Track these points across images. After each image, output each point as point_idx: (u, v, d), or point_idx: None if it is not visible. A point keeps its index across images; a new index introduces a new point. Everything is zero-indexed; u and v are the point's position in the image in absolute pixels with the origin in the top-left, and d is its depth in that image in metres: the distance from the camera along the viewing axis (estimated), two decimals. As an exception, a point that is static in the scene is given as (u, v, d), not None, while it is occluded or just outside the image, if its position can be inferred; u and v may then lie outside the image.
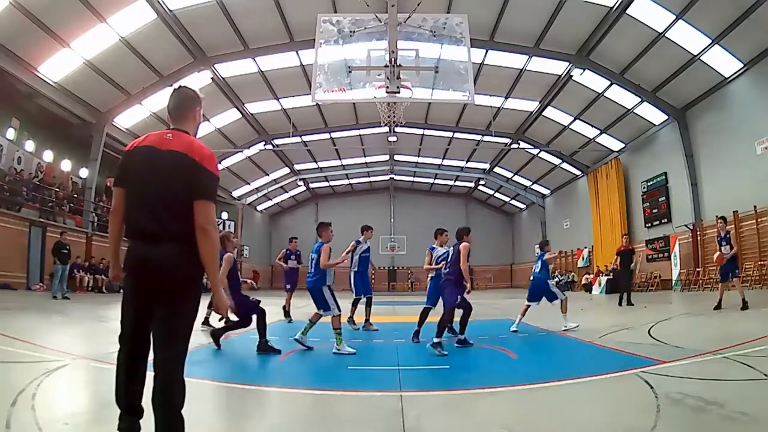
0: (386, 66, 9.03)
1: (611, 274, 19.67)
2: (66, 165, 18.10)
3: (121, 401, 2.08)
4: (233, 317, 5.37)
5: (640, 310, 9.59)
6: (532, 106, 20.29)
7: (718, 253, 8.40)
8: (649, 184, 19.26)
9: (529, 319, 7.45)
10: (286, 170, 28.93)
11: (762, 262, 13.16)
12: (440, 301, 5.79)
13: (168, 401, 1.94)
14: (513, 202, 33.97)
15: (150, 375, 2.02)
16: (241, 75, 18.06)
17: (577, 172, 25.11)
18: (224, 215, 27.86)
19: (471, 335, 6.44)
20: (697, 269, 15.86)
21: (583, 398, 3.25)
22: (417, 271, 33.61)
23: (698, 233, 16.10)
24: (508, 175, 29.07)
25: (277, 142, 24.34)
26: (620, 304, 11.10)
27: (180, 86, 2.35)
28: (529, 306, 7.16)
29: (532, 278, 7.42)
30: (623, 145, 20.67)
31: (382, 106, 11.11)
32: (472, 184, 33.16)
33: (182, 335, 2.05)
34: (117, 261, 2.31)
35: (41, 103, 15.71)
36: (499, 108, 20.45)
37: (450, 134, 24.47)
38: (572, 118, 20.01)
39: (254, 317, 5.34)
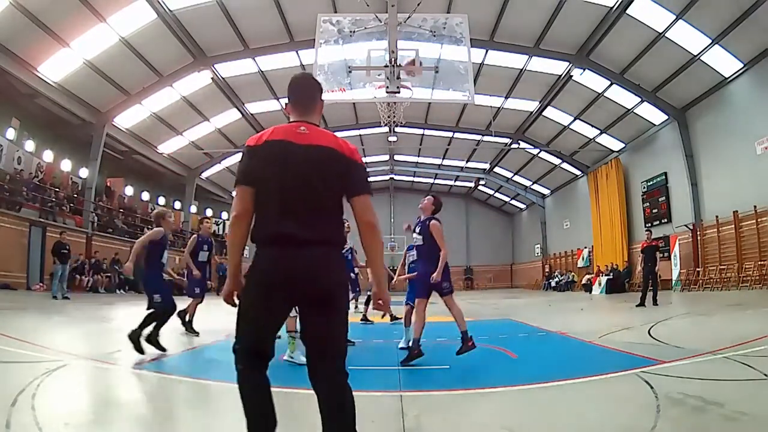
0: (386, 66, 9.03)
1: (611, 274, 19.73)
2: (66, 165, 18.11)
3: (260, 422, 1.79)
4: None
5: (640, 310, 9.57)
6: (532, 106, 20.27)
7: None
8: (649, 184, 19.24)
9: (529, 319, 7.47)
10: (287, 170, 28.89)
11: (762, 262, 13.13)
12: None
13: (350, 418, 1.78)
14: (513, 202, 33.94)
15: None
16: (241, 75, 18.02)
17: (577, 172, 25.07)
18: (224, 215, 27.83)
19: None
20: (697, 269, 15.84)
21: (583, 398, 3.25)
22: (417, 271, 33.59)
23: (698, 233, 16.09)
24: (508, 175, 29.03)
25: (277, 142, 24.30)
26: (643, 304, 10.05)
27: (302, 73, 2.19)
28: None
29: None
30: (623, 145, 20.64)
31: (382, 106, 11.10)
32: (472, 184, 33.09)
33: (343, 344, 1.90)
34: (238, 273, 1.97)
35: (41, 103, 15.71)
36: (499, 108, 20.41)
37: (450, 134, 24.43)
38: (572, 118, 19.99)
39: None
